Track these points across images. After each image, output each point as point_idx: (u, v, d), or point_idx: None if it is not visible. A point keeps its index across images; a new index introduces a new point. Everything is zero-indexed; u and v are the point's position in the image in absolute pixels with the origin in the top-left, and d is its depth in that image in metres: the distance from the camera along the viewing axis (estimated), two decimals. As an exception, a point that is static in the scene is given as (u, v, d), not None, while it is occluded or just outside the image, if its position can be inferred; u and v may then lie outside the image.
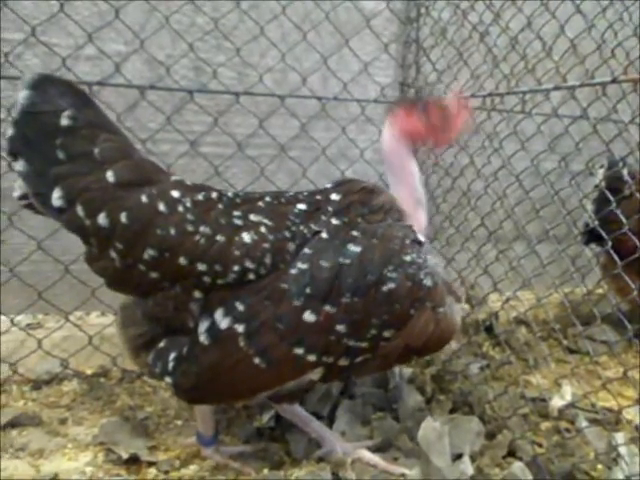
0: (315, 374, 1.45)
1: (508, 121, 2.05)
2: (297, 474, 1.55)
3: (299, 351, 1.37)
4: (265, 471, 1.59)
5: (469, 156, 2.23)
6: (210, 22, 2.17)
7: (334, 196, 1.51)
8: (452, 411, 1.87)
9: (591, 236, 2.49)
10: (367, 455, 1.61)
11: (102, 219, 1.37)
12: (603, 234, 1.70)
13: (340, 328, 1.36)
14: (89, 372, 2.12)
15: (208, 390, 1.45)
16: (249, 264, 1.38)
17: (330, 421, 1.78)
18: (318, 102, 2.40)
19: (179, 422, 1.86)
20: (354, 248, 1.39)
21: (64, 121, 1.37)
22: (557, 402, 1.93)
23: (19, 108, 1.37)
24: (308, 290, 1.35)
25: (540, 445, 1.70)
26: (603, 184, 2.32)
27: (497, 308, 2.14)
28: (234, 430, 1.80)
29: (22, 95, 1.37)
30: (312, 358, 1.38)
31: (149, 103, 2.10)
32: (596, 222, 1.84)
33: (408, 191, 1.59)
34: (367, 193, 1.54)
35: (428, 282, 1.42)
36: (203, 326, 1.40)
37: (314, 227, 1.44)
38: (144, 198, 1.39)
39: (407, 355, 1.50)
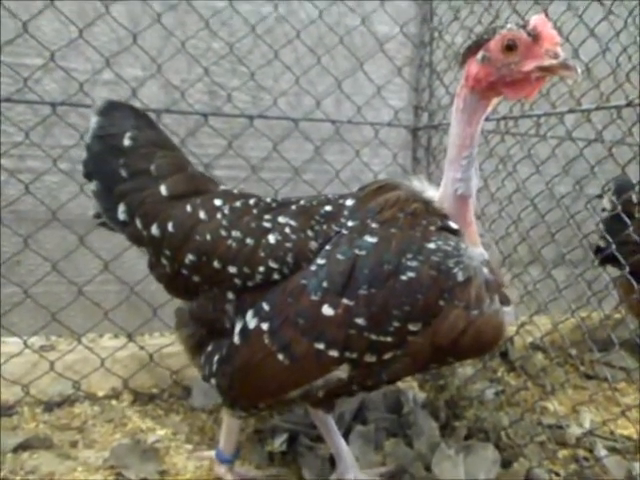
0: (342, 371, 1.39)
1: (522, 144, 2.05)
2: (309, 501, 1.53)
3: (320, 346, 1.34)
4: (276, 497, 1.58)
5: (483, 179, 2.23)
6: (225, 47, 2.21)
7: (349, 202, 1.48)
8: (467, 437, 1.84)
9: (606, 258, 2.46)
10: (380, 482, 1.59)
11: (154, 229, 1.49)
12: (619, 257, 1.69)
13: (360, 321, 1.31)
14: (101, 394, 2.12)
15: (241, 389, 1.45)
16: (273, 264, 1.40)
17: (343, 447, 1.76)
18: (332, 125, 2.42)
19: (189, 446, 1.84)
20: (370, 239, 1.34)
21: (126, 142, 1.51)
22: (575, 429, 1.89)
23: (91, 133, 1.53)
24: (325, 284, 1.33)
25: (557, 474, 1.67)
26: (610, 207, 2.31)
27: (512, 333, 2.12)
28: (246, 454, 1.78)
29: (93, 121, 1.53)
30: (334, 353, 1.34)
31: (164, 126, 2.11)
32: (612, 245, 1.83)
33: (454, 175, 1.37)
34: (374, 193, 1.46)
35: (459, 274, 1.29)
36: (237, 327, 1.43)
37: (335, 227, 1.42)
38: (188, 207, 1.48)
39: (440, 356, 1.39)
